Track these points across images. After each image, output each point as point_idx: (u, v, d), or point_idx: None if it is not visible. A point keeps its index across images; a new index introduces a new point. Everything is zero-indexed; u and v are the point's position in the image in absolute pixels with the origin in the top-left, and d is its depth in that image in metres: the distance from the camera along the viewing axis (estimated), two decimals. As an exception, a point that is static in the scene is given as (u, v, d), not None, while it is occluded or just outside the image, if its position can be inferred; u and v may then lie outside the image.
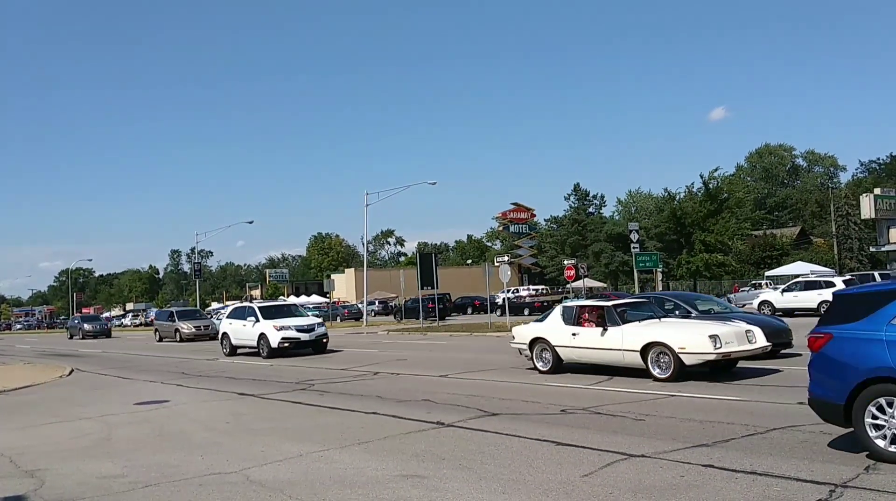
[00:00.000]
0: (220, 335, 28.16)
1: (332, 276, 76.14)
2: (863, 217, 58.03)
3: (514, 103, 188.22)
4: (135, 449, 9.57)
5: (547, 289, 66.34)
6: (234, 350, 25.95)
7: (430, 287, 39.40)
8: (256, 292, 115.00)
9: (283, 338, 23.81)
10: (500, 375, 15.74)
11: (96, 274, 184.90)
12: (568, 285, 51.77)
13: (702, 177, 68.31)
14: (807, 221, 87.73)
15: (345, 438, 9.44)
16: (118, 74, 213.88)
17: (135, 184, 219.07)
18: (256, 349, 24.47)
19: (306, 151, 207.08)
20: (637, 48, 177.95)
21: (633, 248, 39.06)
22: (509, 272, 35.01)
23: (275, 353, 23.70)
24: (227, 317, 27.70)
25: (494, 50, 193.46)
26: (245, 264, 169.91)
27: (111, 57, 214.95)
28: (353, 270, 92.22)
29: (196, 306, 74.93)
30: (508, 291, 52.86)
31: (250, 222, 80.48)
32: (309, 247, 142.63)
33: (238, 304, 35.38)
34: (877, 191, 56.72)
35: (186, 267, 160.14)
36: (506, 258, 60.46)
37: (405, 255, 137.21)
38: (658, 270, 43.22)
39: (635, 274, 40.24)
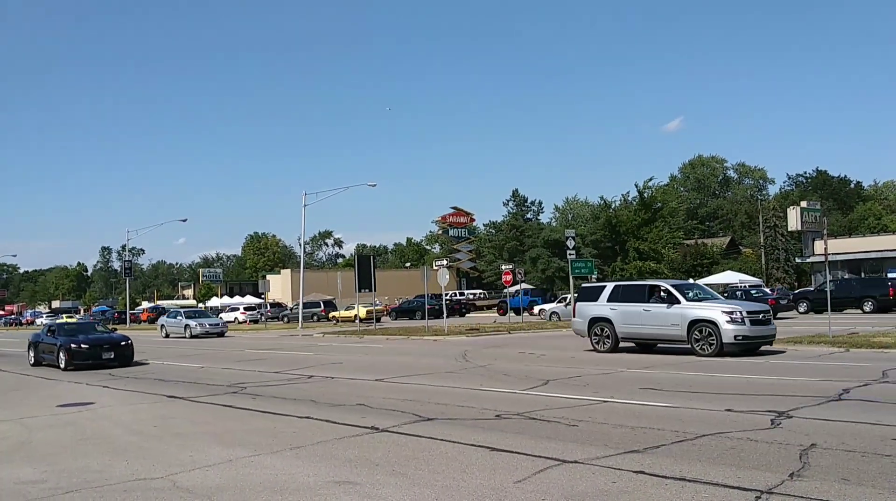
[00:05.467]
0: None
1: (268, 276, 75.16)
2: (790, 229, 60.09)
3: (456, 107, 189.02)
4: (56, 454, 9.22)
5: (485, 293, 66.69)
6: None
7: (367, 290, 39.16)
8: (189, 292, 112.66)
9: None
10: (437, 379, 15.72)
11: (21, 270, 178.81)
12: (505, 290, 52.22)
13: (637, 186, 69.80)
14: (736, 231, 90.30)
15: (276, 443, 9.28)
16: (49, 61, 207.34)
17: (65, 178, 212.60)
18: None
19: (244, 149, 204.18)
20: (582, 55, 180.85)
21: (570, 254, 39.48)
22: (447, 276, 35.06)
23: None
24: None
25: (436, 53, 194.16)
26: (178, 263, 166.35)
27: (40, 43, 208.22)
28: (289, 271, 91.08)
29: (126, 305, 73.10)
30: (446, 294, 53.16)
31: (184, 221, 79.00)
32: (244, 247, 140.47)
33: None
34: (803, 204, 58.81)
35: (117, 265, 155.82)
36: (444, 262, 60.78)
37: (343, 257, 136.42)
38: (593, 276, 43.79)
39: (570, 280, 40.69)
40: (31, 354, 23.89)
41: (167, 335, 42.10)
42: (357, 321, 48.74)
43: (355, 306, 52.70)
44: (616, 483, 6.80)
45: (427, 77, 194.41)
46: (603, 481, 6.88)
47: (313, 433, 9.82)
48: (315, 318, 53.79)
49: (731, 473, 6.94)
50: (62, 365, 21.39)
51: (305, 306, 51.44)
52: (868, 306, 38.37)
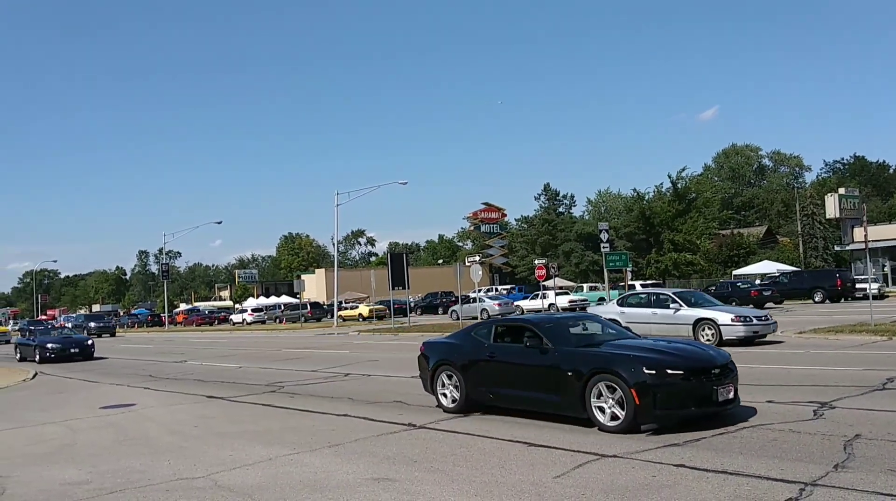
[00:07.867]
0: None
1: (303, 276, 75.71)
2: (828, 217, 59.00)
3: (486, 103, 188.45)
4: (99, 455, 9.38)
5: (516, 288, 66.47)
6: None
7: (401, 287, 39.23)
8: (225, 293, 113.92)
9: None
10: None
11: (62, 275, 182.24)
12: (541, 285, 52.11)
13: (670, 177, 68.90)
14: (773, 220, 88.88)
15: (315, 441, 9.34)
16: (85, 70, 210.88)
17: (104, 184, 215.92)
18: None
19: (277, 151, 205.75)
20: (611, 46, 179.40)
21: (603, 247, 39.16)
22: (480, 272, 35.00)
23: None
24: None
25: (467, 48, 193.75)
26: (214, 265, 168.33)
27: (79, 51, 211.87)
28: (323, 270, 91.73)
29: (164, 307, 74.14)
30: (479, 290, 53.24)
31: (219, 223, 79.97)
32: (279, 247, 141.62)
33: None
34: (841, 191, 57.71)
35: (154, 268, 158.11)
36: (477, 258, 60.73)
37: (376, 255, 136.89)
38: (628, 269, 43.45)
39: (605, 274, 40.40)
40: None
41: None
42: (360, 319, 51.56)
43: (358, 305, 56.18)
44: (656, 476, 6.73)
45: (456, 74, 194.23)
46: (643, 475, 6.81)
47: (351, 431, 9.87)
48: (302, 320, 54.24)
49: (774, 465, 6.84)
50: None
51: (292, 308, 52.98)
52: (818, 297, 40.19)
